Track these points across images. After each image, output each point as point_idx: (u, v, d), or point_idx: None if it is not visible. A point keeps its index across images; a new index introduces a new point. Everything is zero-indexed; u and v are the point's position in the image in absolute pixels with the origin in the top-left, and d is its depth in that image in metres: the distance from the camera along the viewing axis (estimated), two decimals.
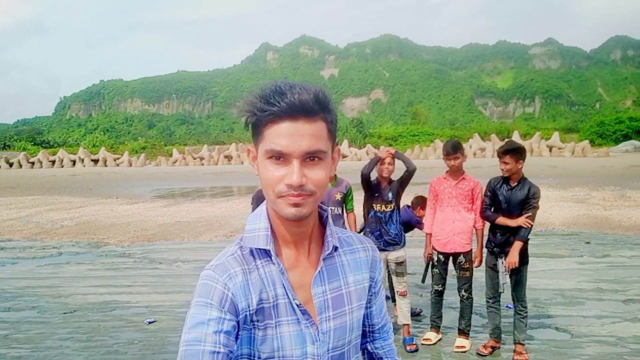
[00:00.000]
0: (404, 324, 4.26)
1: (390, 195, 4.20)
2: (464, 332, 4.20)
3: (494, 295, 4.04)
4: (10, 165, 50.84)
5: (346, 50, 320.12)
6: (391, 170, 4.23)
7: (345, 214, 4.43)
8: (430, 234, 4.29)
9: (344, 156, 40.79)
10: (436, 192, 4.23)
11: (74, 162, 50.85)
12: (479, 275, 4.63)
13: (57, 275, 7.18)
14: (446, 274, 4.28)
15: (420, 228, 4.72)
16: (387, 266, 4.33)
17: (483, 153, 42.82)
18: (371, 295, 1.18)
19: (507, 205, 3.90)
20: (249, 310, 0.97)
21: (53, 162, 51.31)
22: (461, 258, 4.16)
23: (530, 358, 3.89)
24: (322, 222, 1.10)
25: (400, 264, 4.23)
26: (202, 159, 45.36)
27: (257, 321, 0.98)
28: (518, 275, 3.94)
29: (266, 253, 1.01)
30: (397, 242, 4.23)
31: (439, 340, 4.32)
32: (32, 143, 66.82)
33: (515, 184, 3.91)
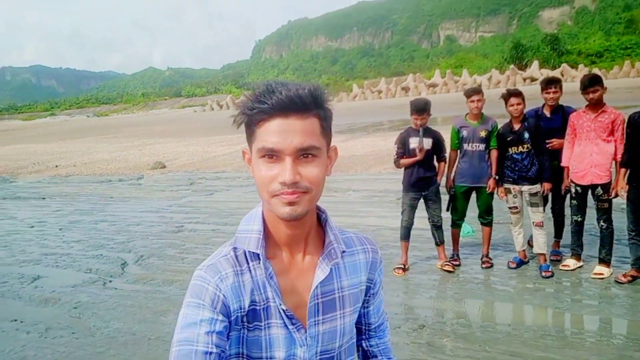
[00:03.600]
0: (540, 254, 4.56)
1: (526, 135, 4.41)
2: (604, 261, 4.32)
3: (636, 228, 4.05)
4: (220, 107, 59.24)
5: None
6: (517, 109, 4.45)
7: (488, 151, 4.74)
8: (568, 167, 4.39)
9: (533, 80, 37.12)
10: (574, 127, 4.28)
11: None
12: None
13: (257, 200, 8.97)
14: (585, 205, 4.38)
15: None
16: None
17: None
18: (369, 296, 1.18)
19: None
20: (241, 311, 0.98)
21: None
22: (599, 190, 4.22)
23: None
24: (321, 224, 1.10)
25: (535, 194, 4.47)
26: (380, 92, 46.44)
27: (248, 322, 1.00)
28: None
29: (257, 256, 1.01)
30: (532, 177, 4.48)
31: (579, 267, 4.52)
32: (236, 86, 76.29)
33: None
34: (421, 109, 4.57)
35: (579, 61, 42.84)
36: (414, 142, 4.62)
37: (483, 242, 4.91)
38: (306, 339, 1.03)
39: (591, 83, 4.06)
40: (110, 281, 5.18)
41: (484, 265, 4.77)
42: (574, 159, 4.31)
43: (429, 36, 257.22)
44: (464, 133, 4.74)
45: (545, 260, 4.55)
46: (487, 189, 4.70)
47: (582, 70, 34.92)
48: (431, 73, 57.23)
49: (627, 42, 51.90)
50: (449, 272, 4.69)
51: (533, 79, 36.64)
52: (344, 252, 1.08)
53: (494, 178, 4.65)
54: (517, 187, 4.55)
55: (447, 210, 4.94)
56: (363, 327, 1.25)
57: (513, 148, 4.50)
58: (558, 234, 4.93)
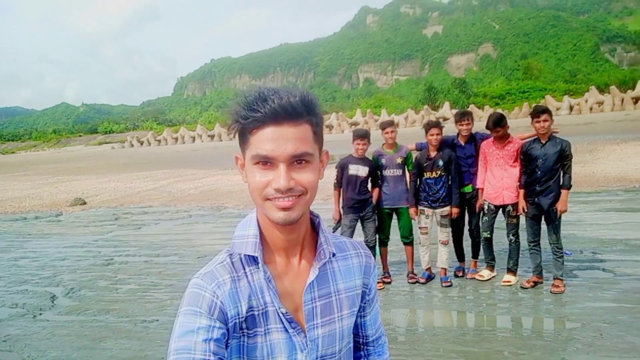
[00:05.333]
0: (442, 268, 5.12)
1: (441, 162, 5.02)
2: (511, 270, 4.94)
3: (534, 239, 4.73)
4: (141, 143, 57.45)
5: (450, 5, 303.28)
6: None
7: (407, 175, 5.30)
8: (482, 188, 5.04)
9: (445, 119, 40.11)
10: (485, 155, 4.95)
11: (193, 138, 56.11)
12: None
13: (190, 232, 8.98)
14: (493, 223, 5.02)
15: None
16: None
17: (601, 107, 39.44)
18: (365, 303, 1.17)
19: (544, 161, 4.53)
20: (239, 317, 0.98)
21: (176, 139, 57.05)
22: (509, 207, 4.88)
23: (567, 291, 4.55)
24: (314, 228, 1.11)
25: (445, 216, 5.06)
26: None
27: (247, 328, 0.99)
28: (555, 222, 4.59)
29: (254, 260, 1.01)
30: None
31: (493, 277, 5.11)
32: (157, 122, 74.54)
33: (547, 140, 4.53)
34: (363, 134, 5.08)
35: (484, 102, 47.03)
36: (353, 169, 5.07)
37: (407, 260, 5.39)
38: (306, 343, 1.02)
39: (495, 125, 4.77)
40: (41, 314, 5.01)
41: (410, 280, 5.23)
42: (488, 182, 4.96)
43: (349, 78, 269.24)
44: (383, 161, 5.26)
45: (445, 273, 5.13)
46: (408, 213, 5.22)
47: (488, 111, 38.40)
48: (352, 112, 59.83)
49: (525, 87, 57.83)
50: (379, 289, 5.09)
51: (445, 119, 39.54)
52: (334, 254, 1.08)
53: (413, 205, 5.18)
54: (430, 210, 5.11)
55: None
56: (361, 340, 1.23)
57: (428, 173, 5.07)
58: (475, 254, 5.46)
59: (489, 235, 5.05)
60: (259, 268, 1.01)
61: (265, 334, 1.00)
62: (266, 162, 0.93)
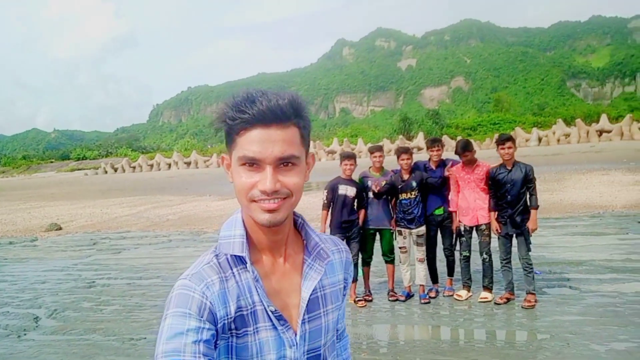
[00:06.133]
0: (420, 284, 5.39)
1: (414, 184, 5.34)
2: (487, 287, 5.23)
3: (506, 257, 5.05)
4: (115, 170, 56.71)
5: (424, 39, 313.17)
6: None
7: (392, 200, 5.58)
8: (456, 211, 5.35)
9: (419, 149, 41.06)
10: (457, 179, 5.30)
11: (169, 165, 55.74)
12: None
13: (170, 255, 9.02)
14: (470, 242, 5.32)
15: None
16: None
17: (568, 139, 41.10)
18: (342, 299, 1.20)
19: (512, 186, 4.90)
20: (227, 318, 0.97)
21: (151, 166, 56.54)
22: (482, 226, 5.20)
23: (537, 306, 4.85)
24: (297, 228, 1.13)
25: (421, 236, 5.35)
26: None
27: (236, 329, 0.99)
28: (527, 240, 4.92)
29: (241, 260, 1.02)
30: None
31: (470, 296, 5.37)
32: (131, 149, 73.79)
33: (512, 166, 4.91)
34: (351, 155, 5.40)
35: (457, 133, 48.41)
36: (342, 189, 5.33)
37: (388, 278, 5.63)
38: (295, 339, 1.03)
39: (463, 150, 5.15)
40: (25, 334, 5.03)
41: (390, 298, 5.46)
42: (461, 204, 5.28)
43: (326, 108, 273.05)
44: (369, 183, 5.55)
45: (424, 290, 5.39)
46: (390, 234, 5.49)
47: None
48: (329, 141, 60.62)
49: (496, 119, 59.84)
50: (361, 307, 5.30)
51: (419, 148, 40.48)
52: (332, 251, 1.13)
53: (394, 219, 5.47)
54: (407, 230, 5.39)
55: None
56: None
57: (403, 194, 5.37)
58: (450, 272, 5.70)
59: (467, 254, 5.34)
60: (246, 268, 1.01)
61: (254, 332, 1.00)
62: (252, 163, 0.94)
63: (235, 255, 1.01)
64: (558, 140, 41.42)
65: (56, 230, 13.66)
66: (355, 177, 5.58)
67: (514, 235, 4.99)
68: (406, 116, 70.91)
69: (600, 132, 40.15)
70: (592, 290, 5.25)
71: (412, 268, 5.50)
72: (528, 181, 4.86)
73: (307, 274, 1.08)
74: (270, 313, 1.01)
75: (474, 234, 5.34)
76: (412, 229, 5.33)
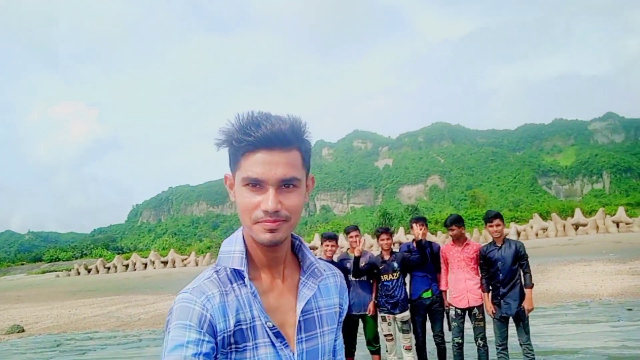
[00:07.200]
0: None
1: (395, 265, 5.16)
2: None
3: (502, 342, 4.76)
4: (89, 271, 54.70)
5: (398, 141, 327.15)
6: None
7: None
8: (445, 291, 5.13)
9: (400, 243, 40.97)
10: (446, 257, 5.15)
11: (145, 265, 54.07)
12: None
13: (139, 355, 8.34)
14: (463, 326, 5.04)
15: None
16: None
17: (545, 233, 41.65)
18: (338, 324, 1.21)
19: (503, 263, 4.76)
20: (227, 331, 0.99)
21: (127, 266, 54.79)
22: (475, 310, 4.95)
23: None
24: (293, 250, 1.16)
25: (405, 322, 5.06)
26: None
27: (236, 343, 1.00)
28: (525, 321, 4.68)
29: (240, 275, 1.04)
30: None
31: None
32: (107, 250, 71.88)
33: (502, 243, 4.81)
34: (332, 236, 5.24)
35: (437, 229, 48.59)
36: None
37: None
38: (294, 356, 1.05)
39: (451, 223, 5.07)
40: None
41: None
42: (451, 285, 5.08)
43: (307, 205, 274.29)
44: (347, 265, 5.35)
45: None
46: (368, 313, 5.17)
47: (440, 236, 39.84)
48: (311, 237, 60.20)
49: (473, 214, 60.63)
50: None
51: (401, 242, 40.43)
52: (325, 272, 1.17)
53: (374, 302, 5.19)
54: (391, 316, 5.11)
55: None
56: None
57: (384, 276, 5.16)
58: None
59: (460, 341, 5.03)
60: (245, 284, 1.04)
61: (253, 348, 1.01)
62: (256, 184, 0.99)
63: (234, 270, 1.05)
64: (536, 234, 41.87)
65: (18, 332, 12.70)
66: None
67: (510, 318, 4.74)
68: (386, 211, 71.66)
69: (577, 226, 40.93)
70: None
71: (400, 358, 5.13)
72: (520, 257, 4.73)
73: (301, 291, 1.11)
74: (268, 329, 1.02)
75: (467, 318, 5.07)
76: (396, 314, 5.06)
